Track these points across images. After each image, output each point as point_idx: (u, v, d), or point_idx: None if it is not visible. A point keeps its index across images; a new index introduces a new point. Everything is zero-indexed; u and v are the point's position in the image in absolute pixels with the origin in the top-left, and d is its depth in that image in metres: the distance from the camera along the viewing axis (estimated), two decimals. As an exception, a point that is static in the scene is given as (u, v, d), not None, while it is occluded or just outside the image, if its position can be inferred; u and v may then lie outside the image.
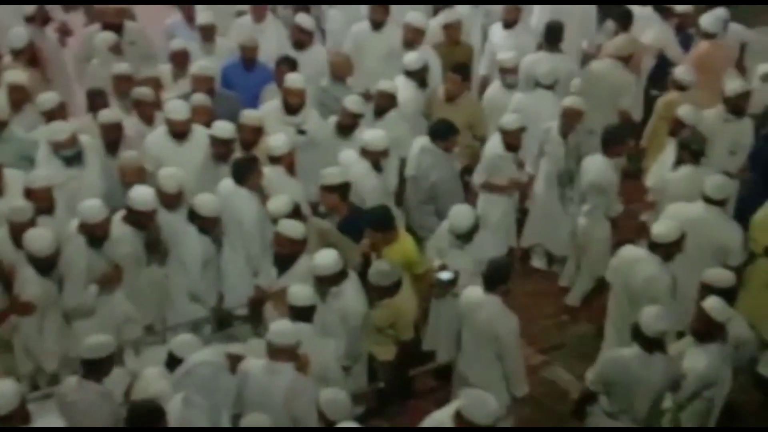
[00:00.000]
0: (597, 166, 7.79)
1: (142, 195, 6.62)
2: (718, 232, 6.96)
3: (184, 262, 6.77)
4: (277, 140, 7.41)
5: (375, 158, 7.50)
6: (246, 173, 7.03)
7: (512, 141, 7.97)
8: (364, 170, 7.47)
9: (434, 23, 9.56)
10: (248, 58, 8.71)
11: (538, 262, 8.82)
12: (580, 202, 8.04)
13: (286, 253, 6.49)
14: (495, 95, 9.01)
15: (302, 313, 5.97)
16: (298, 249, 6.49)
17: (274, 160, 7.34)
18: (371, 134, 7.58)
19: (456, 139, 7.80)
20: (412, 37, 9.02)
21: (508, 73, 8.93)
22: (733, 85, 8.42)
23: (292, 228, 6.48)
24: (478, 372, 6.21)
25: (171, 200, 6.83)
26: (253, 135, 7.53)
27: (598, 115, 8.54)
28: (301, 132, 7.93)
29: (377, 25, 9.29)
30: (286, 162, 7.37)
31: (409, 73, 8.68)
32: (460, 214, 6.88)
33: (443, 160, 7.73)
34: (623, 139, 7.96)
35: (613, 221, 7.97)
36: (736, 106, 8.26)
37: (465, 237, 6.85)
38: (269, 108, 8.08)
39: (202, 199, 6.76)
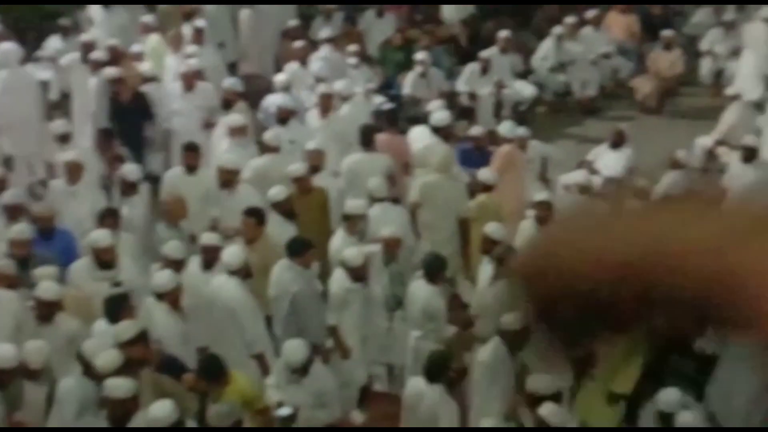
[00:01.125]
0: (423, 296, 7.85)
1: (1, 351, 6.53)
2: None
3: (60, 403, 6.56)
4: (162, 277, 7.39)
5: (243, 275, 7.56)
6: (118, 310, 6.98)
7: (358, 273, 7.89)
8: (234, 289, 7.50)
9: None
10: (43, 228, 8.34)
11: (380, 385, 8.82)
12: (413, 328, 8.00)
13: (119, 415, 6.30)
14: (340, 245, 8.51)
15: None
16: (130, 408, 6.30)
17: (160, 296, 7.28)
18: (228, 253, 7.65)
19: (312, 254, 7.85)
20: (227, 178, 9.08)
21: (358, 222, 8.63)
22: (537, 195, 9.03)
23: (118, 388, 6.27)
24: None
25: None
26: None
27: (440, 226, 9.05)
28: (117, 284, 7.84)
29: (191, 169, 9.36)
30: (171, 299, 7.29)
31: (275, 205, 8.64)
32: (292, 348, 6.90)
33: (302, 276, 7.76)
34: (444, 266, 8.13)
35: (447, 343, 8.11)
36: (539, 214, 8.71)
37: (300, 371, 6.87)
38: (79, 266, 7.97)
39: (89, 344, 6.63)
